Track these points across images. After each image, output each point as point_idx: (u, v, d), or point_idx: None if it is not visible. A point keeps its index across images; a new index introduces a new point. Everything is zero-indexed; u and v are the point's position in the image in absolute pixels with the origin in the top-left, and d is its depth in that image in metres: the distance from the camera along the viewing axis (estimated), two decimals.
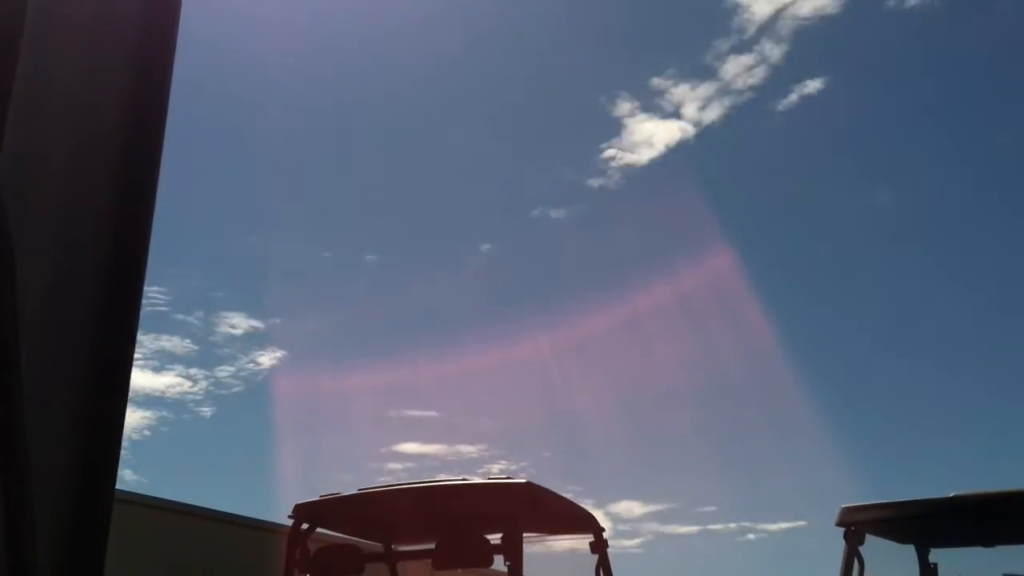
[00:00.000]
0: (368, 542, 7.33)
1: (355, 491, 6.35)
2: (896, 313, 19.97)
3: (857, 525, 6.60)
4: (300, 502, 6.33)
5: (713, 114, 8.09)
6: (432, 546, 6.00)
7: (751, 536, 13.86)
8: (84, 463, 1.21)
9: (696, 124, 8.10)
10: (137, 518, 11.03)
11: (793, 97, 8.55)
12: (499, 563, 5.59)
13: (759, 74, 9.21)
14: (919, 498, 6.52)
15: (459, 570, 6.16)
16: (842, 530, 6.54)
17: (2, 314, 1.06)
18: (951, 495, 6.31)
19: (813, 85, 8.76)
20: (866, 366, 20.16)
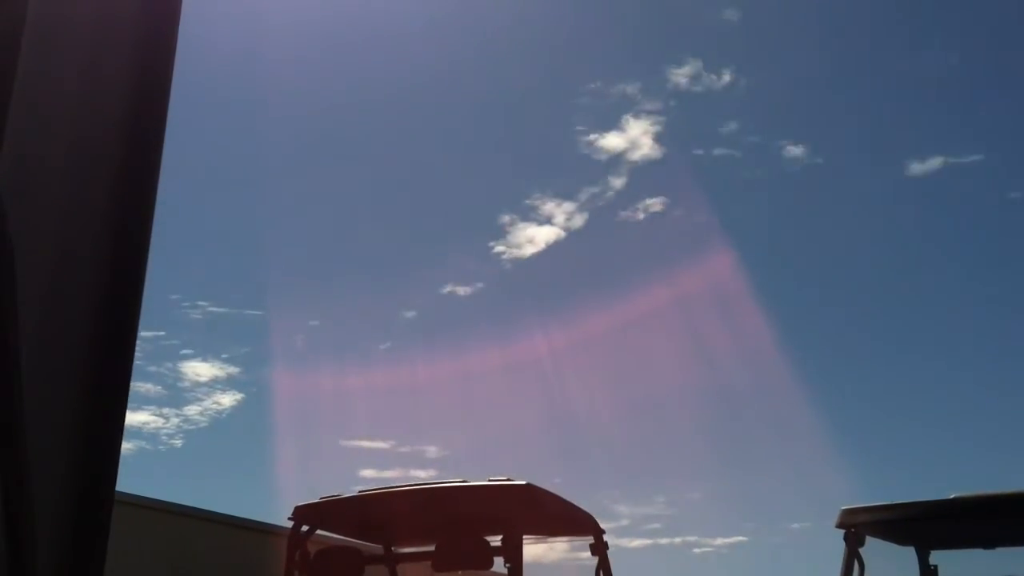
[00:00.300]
0: (368, 544, 7.32)
1: (355, 492, 6.34)
2: (893, 315, 20.06)
3: (857, 527, 6.59)
4: (300, 504, 6.32)
5: (578, 222, 11.88)
6: (432, 548, 5.99)
7: (696, 550, 14.73)
8: (84, 463, 1.20)
9: (566, 229, 11.98)
10: (137, 519, 11.03)
11: (640, 213, 13.01)
12: (499, 565, 5.58)
13: (608, 197, 14.18)
14: (919, 500, 6.51)
15: (459, 572, 6.15)
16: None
17: (2, 314, 1.06)
18: (952, 496, 6.30)
19: (655, 203, 13.41)
20: (860, 367, 20.28)
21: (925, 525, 6.80)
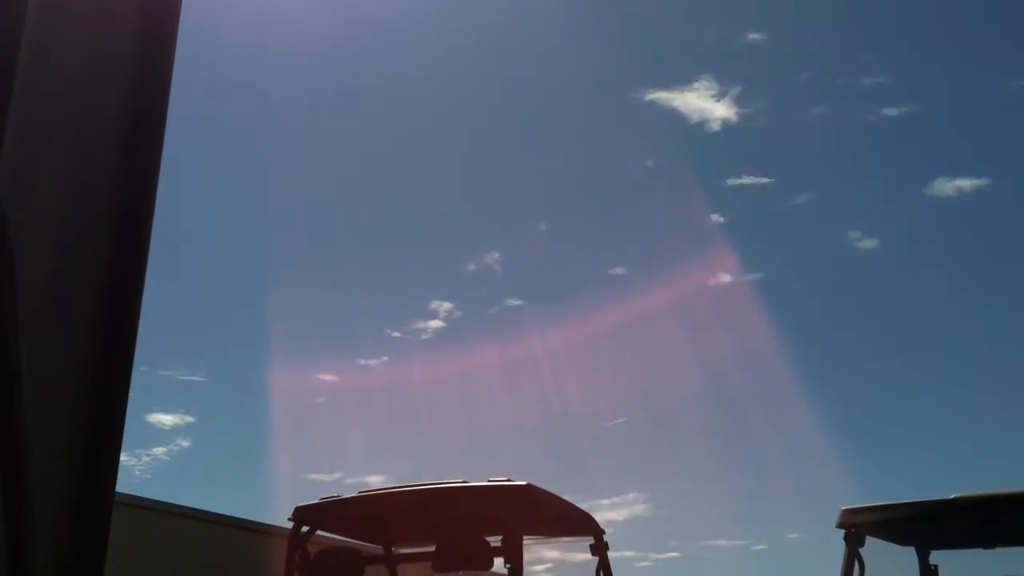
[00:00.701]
0: (368, 544, 7.32)
1: (355, 493, 6.35)
2: (892, 313, 20.18)
3: (857, 527, 6.59)
4: (300, 504, 6.32)
5: (459, 315, 17.18)
6: (432, 548, 5.99)
7: (637, 564, 16.24)
8: (84, 463, 1.20)
9: (448, 320, 17.12)
10: (137, 520, 11.02)
11: (505, 313, 17.35)
12: (499, 566, 5.58)
13: (478, 296, 18.56)
14: (920, 499, 6.51)
15: (459, 572, 6.15)
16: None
17: (2, 314, 1.06)
18: (952, 496, 6.30)
19: (515, 301, 17.78)
20: (859, 367, 20.46)
21: (925, 525, 6.80)
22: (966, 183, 15.29)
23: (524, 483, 5.75)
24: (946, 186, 15.51)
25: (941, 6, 16.11)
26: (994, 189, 15.24)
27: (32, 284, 1.14)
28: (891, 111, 15.18)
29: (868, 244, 17.55)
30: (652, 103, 16.82)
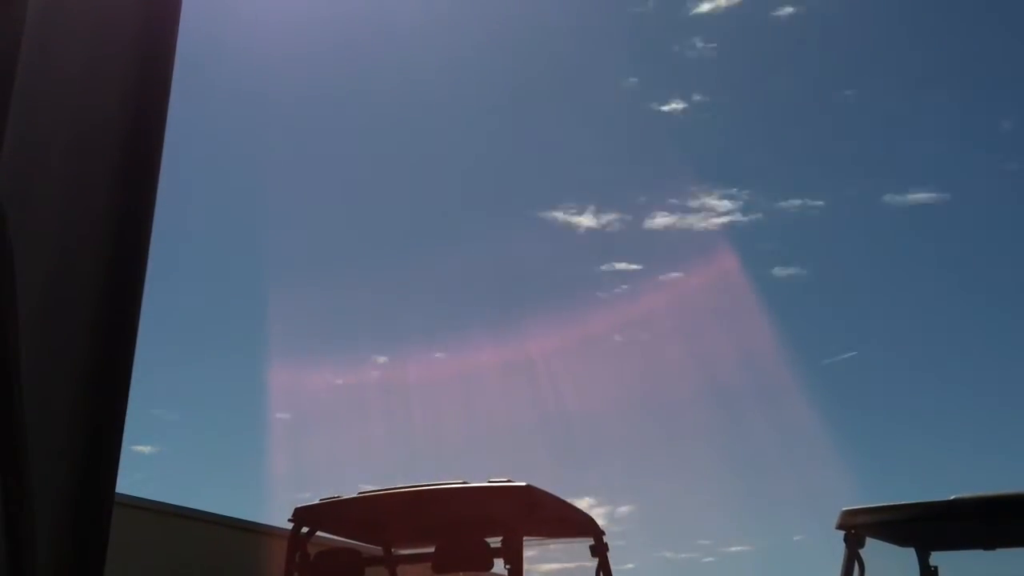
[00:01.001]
0: (368, 545, 7.32)
1: (355, 494, 6.35)
2: (892, 313, 20.40)
3: (857, 528, 6.59)
4: (300, 505, 6.33)
5: (394, 366, 18.64)
6: (432, 549, 5.99)
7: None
8: (84, 463, 1.20)
9: (383, 370, 18.58)
10: (136, 521, 11.03)
11: (435, 362, 18.94)
12: (499, 567, 5.58)
13: (410, 351, 19.70)
14: (920, 501, 6.51)
15: (459, 574, 6.15)
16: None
17: (2, 314, 1.06)
18: (952, 498, 6.31)
19: (440, 355, 19.00)
20: (859, 367, 20.69)
21: (925, 526, 6.80)
22: (791, 271, 19.98)
23: (524, 484, 5.75)
24: (781, 272, 20.16)
25: (744, 141, 20.86)
26: (809, 276, 20.00)
27: (32, 284, 1.14)
28: (721, 220, 19.42)
29: None
30: (533, 219, 20.56)
